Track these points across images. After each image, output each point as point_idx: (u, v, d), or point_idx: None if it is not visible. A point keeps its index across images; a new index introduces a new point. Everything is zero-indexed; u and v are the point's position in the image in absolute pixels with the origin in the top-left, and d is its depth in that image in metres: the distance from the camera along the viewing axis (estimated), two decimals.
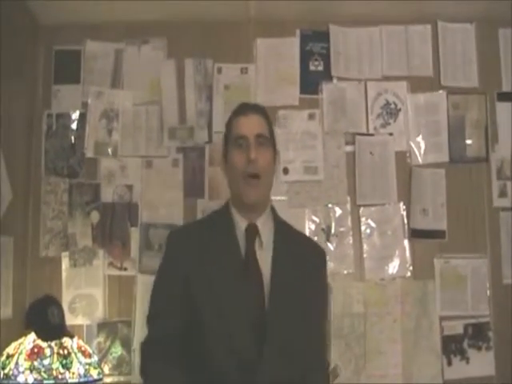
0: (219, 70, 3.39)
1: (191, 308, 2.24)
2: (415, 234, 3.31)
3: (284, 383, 2.18)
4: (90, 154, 3.33)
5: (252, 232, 2.32)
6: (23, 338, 2.75)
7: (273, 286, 2.24)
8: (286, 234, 2.41)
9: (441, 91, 3.43)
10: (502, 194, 3.37)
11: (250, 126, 2.33)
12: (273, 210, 2.46)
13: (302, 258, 2.35)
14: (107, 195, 3.30)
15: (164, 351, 2.25)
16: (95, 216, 3.28)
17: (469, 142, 3.41)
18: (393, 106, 3.41)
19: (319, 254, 2.50)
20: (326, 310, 2.51)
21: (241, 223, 2.34)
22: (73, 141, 3.34)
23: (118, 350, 3.19)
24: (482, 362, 3.23)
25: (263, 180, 2.30)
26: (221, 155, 2.48)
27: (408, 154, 3.38)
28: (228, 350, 2.17)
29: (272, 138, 2.40)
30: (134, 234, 3.27)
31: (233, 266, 2.26)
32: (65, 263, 3.24)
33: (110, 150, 3.33)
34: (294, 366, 2.22)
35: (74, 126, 3.34)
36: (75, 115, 3.35)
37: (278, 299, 2.23)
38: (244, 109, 2.42)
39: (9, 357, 2.68)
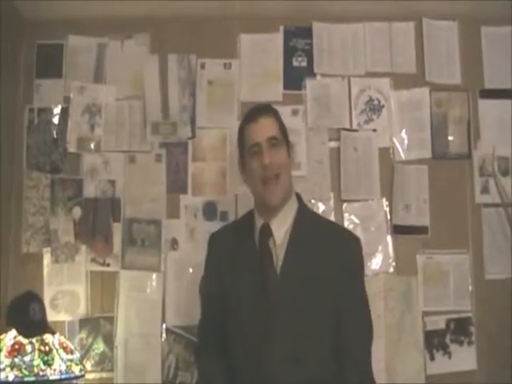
0: (203, 66, 3.37)
1: (223, 303, 2.44)
2: (398, 230, 3.30)
3: (292, 372, 2.28)
4: (72, 149, 3.29)
5: (265, 232, 2.41)
6: (4, 335, 2.71)
7: (281, 279, 2.34)
8: (305, 227, 2.43)
9: (424, 88, 3.42)
10: (484, 190, 3.37)
11: (261, 131, 2.39)
12: (298, 199, 2.53)
13: (318, 249, 2.38)
14: (90, 190, 3.26)
15: (210, 340, 2.53)
16: (77, 212, 3.24)
17: (451, 138, 3.40)
18: (376, 102, 3.39)
19: (342, 242, 2.45)
20: (358, 297, 2.44)
21: (258, 224, 2.45)
22: (55, 136, 3.29)
23: (100, 347, 3.15)
24: (464, 357, 3.22)
25: (281, 178, 2.38)
26: (238, 162, 2.55)
27: (391, 150, 3.36)
28: (240, 339, 2.35)
29: (284, 134, 2.47)
30: (117, 230, 3.24)
31: (251, 266, 2.39)
32: (47, 259, 3.20)
33: (92, 145, 3.29)
34: (304, 358, 2.30)
35: (56, 120, 3.30)
36: (57, 110, 3.31)
37: (284, 292, 2.33)
38: (253, 115, 2.46)
39: None
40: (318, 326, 2.32)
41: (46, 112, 3.30)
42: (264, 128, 2.40)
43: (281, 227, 2.40)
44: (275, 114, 2.49)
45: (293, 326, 2.29)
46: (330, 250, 2.37)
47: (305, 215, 2.48)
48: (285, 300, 2.32)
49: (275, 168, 2.35)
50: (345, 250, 2.41)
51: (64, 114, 3.30)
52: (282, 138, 2.43)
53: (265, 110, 2.49)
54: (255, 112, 2.47)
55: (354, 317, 2.37)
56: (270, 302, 2.31)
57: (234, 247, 2.46)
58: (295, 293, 2.31)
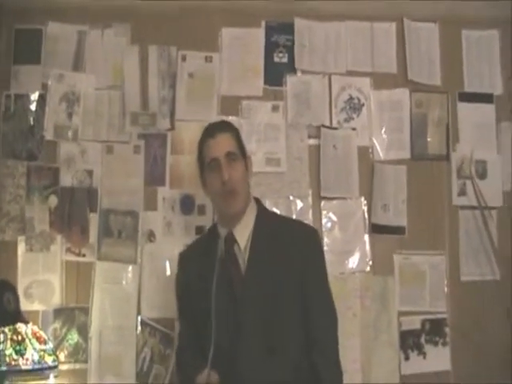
0: (183, 58, 3.47)
1: (195, 311, 2.61)
2: (376, 230, 3.44)
3: (267, 365, 2.46)
4: (49, 136, 3.36)
5: (229, 241, 2.60)
6: None
7: (246, 276, 2.55)
8: (265, 228, 2.63)
9: (404, 88, 3.58)
10: (462, 192, 3.53)
11: (219, 147, 2.60)
12: (258, 204, 2.74)
13: (278, 244, 2.58)
14: (66, 180, 3.34)
15: (188, 346, 2.69)
16: (53, 200, 3.31)
17: (430, 139, 3.56)
18: (356, 101, 3.54)
19: (301, 235, 2.65)
20: (321, 286, 2.63)
21: (222, 234, 2.63)
22: (32, 123, 3.36)
23: (74, 337, 3.23)
24: (438, 358, 3.38)
25: (240, 192, 2.59)
26: (199, 176, 2.74)
27: (370, 150, 3.51)
28: (213, 338, 2.42)
29: (241, 148, 2.68)
30: (94, 220, 3.32)
31: (218, 274, 2.50)
32: (21, 248, 3.27)
33: (70, 134, 3.36)
34: (278, 349, 2.48)
35: (33, 107, 3.37)
36: (35, 97, 3.38)
37: (249, 286, 2.53)
38: (211, 130, 2.67)
39: None
40: (285, 316, 2.51)
41: (23, 99, 3.37)
42: (222, 144, 2.61)
43: (243, 233, 2.61)
44: (233, 131, 2.71)
45: (261, 318, 2.48)
46: (290, 244, 2.59)
47: (264, 217, 2.69)
48: (250, 293, 2.51)
49: (233, 183, 2.56)
50: (304, 242, 2.62)
51: (41, 101, 3.38)
52: (240, 153, 2.65)
53: (223, 126, 2.72)
54: (214, 128, 2.69)
55: (317, 305, 2.57)
56: (237, 297, 2.51)
57: (202, 262, 2.62)
58: (260, 286, 2.51)
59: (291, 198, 3.40)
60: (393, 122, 3.55)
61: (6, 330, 2.77)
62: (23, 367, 2.73)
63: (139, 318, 3.24)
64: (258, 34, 3.54)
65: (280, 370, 2.44)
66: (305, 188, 3.42)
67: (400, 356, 3.34)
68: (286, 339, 2.49)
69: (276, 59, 3.53)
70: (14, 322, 2.82)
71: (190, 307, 2.66)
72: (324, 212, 3.42)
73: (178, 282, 2.79)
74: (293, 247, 2.57)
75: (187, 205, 3.34)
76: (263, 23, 3.54)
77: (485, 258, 3.49)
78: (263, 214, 2.70)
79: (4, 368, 2.68)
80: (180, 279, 2.78)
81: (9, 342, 2.74)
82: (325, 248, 3.29)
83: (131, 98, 3.41)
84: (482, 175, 3.56)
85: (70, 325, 3.23)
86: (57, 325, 3.22)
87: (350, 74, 3.56)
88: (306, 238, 2.65)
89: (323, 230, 3.39)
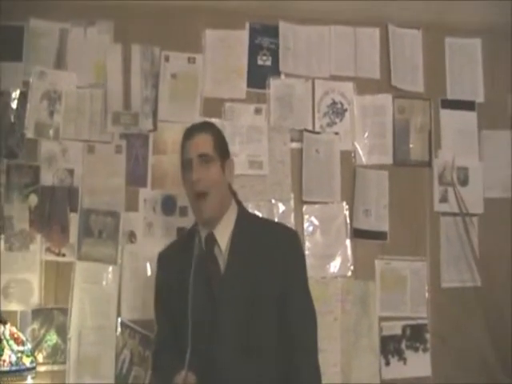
0: (166, 58, 3.49)
1: (173, 310, 2.64)
2: (357, 234, 3.49)
3: (245, 366, 2.48)
4: (30, 134, 3.34)
5: (210, 241, 2.63)
6: None
7: (224, 275, 2.57)
8: (245, 230, 2.65)
9: (387, 94, 3.64)
10: (443, 199, 3.60)
11: (194, 148, 2.63)
12: (239, 205, 2.75)
13: (259, 246, 2.60)
14: (47, 178, 3.32)
15: (165, 346, 2.70)
16: (33, 199, 3.29)
17: (412, 145, 3.63)
18: (339, 105, 3.59)
19: (281, 237, 2.67)
20: (301, 287, 2.65)
21: (203, 235, 2.65)
22: (12, 120, 3.34)
23: (53, 338, 3.22)
24: (418, 363, 3.44)
25: (211, 195, 2.60)
26: (182, 178, 2.74)
27: (353, 154, 3.56)
28: (191, 337, 2.43)
29: (220, 150, 2.67)
30: (74, 220, 3.31)
31: (198, 275, 2.52)
32: (0, 247, 3.24)
33: (51, 132, 3.35)
34: (256, 349, 2.51)
35: (14, 105, 3.35)
36: (15, 94, 3.36)
37: (228, 285, 2.55)
38: (190, 131, 2.71)
39: None
40: (264, 317, 2.53)
41: (4, 96, 3.34)
42: (197, 144, 2.63)
43: (224, 234, 2.63)
44: (213, 132, 2.71)
45: (240, 319, 2.50)
46: (271, 246, 2.60)
47: (245, 218, 2.71)
48: (229, 293, 2.53)
49: (204, 185, 2.58)
50: (284, 245, 2.64)
51: (22, 98, 3.35)
52: (216, 155, 2.65)
53: (202, 127, 2.73)
54: (192, 129, 2.72)
55: (298, 308, 2.59)
56: (216, 296, 2.53)
57: (181, 261, 2.61)
58: (239, 286, 2.53)
59: (273, 201, 3.43)
60: (375, 127, 3.61)
61: None
62: (0, 369, 2.71)
63: (119, 320, 3.25)
64: (242, 36, 3.57)
65: (258, 371, 2.47)
66: (287, 191, 3.46)
67: (380, 361, 3.39)
68: (265, 340, 2.52)
69: (260, 62, 3.56)
70: None
71: (168, 306, 2.68)
72: (306, 216, 3.46)
73: (156, 280, 2.80)
74: (273, 249, 2.59)
75: (169, 206, 3.36)
76: (247, 25, 3.57)
77: (465, 264, 3.56)
78: (244, 215, 2.73)
79: None
80: (159, 278, 2.80)
81: None
82: (306, 252, 3.34)
83: (113, 97, 3.42)
84: (464, 182, 3.63)
85: (49, 325, 3.22)
86: (35, 325, 3.21)
87: (334, 78, 3.61)
88: (287, 241, 2.67)
89: (305, 233, 3.43)
